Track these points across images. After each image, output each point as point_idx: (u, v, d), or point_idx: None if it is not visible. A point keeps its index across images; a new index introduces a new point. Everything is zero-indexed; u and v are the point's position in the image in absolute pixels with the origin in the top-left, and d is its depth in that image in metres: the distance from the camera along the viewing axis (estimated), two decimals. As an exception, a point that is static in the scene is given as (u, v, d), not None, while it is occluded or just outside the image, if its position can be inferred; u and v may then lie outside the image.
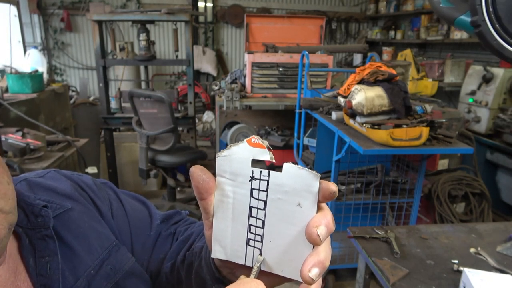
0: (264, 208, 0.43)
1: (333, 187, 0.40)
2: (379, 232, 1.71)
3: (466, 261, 1.52)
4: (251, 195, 0.44)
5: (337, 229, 2.76)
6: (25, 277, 0.53)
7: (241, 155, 0.43)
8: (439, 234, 1.75)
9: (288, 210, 0.42)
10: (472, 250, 1.61)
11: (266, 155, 0.42)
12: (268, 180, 0.42)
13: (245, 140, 0.43)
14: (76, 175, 0.70)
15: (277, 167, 0.44)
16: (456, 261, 1.52)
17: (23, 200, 0.56)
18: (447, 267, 1.50)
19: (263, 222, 0.44)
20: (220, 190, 0.45)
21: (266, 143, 0.43)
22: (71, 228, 0.59)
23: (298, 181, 0.41)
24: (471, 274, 1.26)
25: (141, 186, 4.19)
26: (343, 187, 2.75)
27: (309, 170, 0.40)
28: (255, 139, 0.43)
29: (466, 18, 0.67)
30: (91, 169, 3.05)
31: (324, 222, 0.40)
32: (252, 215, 0.44)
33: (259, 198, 0.44)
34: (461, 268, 1.44)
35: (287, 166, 0.41)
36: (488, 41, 0.63)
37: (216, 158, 0.44)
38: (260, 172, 0.43)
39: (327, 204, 0.44)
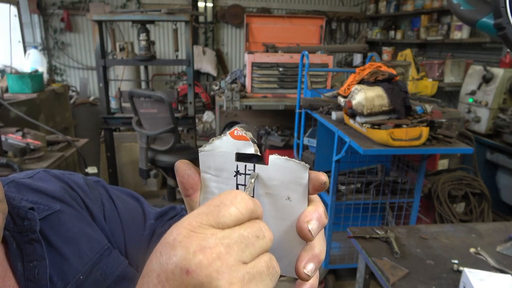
0: None
1: (323, 177, 0.39)
2: (379, 232, 1.71)
3: (466, 261, 1.52)
4: None
5: (337, 229, 2.76)
6: (13, 282, 0.51)
7: (224, 149, 0.41)
8: (439, 234, 1.75)
9: (277, 205, 0.40)
10: (472, 250, 1.61)
11: (250, 148, 0.40)
12: None
13: (227, 132, 0.41)
14: (67, 175, 0.68)
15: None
16: (456, 261, 1.52)
17: (9, 202, 0.54)
18: (447, 267, 1.50)
19: None
20: (204, 187, 0.42)
21: (249, 134, 0.40)
22: (60, 231, 0.58)
23: (286, 173, 0.39)
24: (471, 274, 1.26)
25: (141, 186, 4.19)
26: (343, 187, 2.75)
27: (297, 161, 0.38)
28: (238, 131, 0.40)
29: (488, 21, 0.67)
30: (91, 169, 3.05)
31: (316, 215, 0.38)
32: None
33: None
34: (461, 268, 1.44)
35: (273, 158, 0.39)
36: None
37: (199, 154, 0.42)
38: (245, 166, 0.40)
39: (319, 196, 0.42)
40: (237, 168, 0.41)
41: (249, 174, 0.40)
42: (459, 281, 1.33)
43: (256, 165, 0.40)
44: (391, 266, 1.48)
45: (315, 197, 0.41)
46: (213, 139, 0.41)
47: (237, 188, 0.41)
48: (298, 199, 0.39)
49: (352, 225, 2.52)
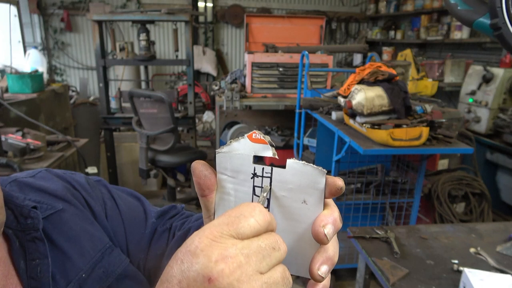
0: (267, 206, 0.42)
1: (340, 182, 0.39)
2: (379, 232, 1.71)
3: (466, 261, 1.52)
4: (253, 193, 0.42)
5: (337, 229, 2.76)
6: (16, 280, 0.52)
7: (242, 151, 0.41)
8: (439, 234, 1.75)
9: (293, 208, 0.41)
10: (472, 250, 1.61)
11: (268, 151, 0.41)
12: (271, 177, 0.41)
13: (245, 135, 0.41)
14: (69, 174, 0.68)
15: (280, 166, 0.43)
16: (456, 261, 1.52)
17: (12, 201, 0.54)
18: (447, 267, 1.50)
19: None
20: (221, 187, 0.43)
21: (268, 138, 0.41)
22: (63, 230, 0.58)
23: (303, 177, 0.39)
24: (471, 274, 1.26)
25: (141, 186, 4.19)
26: (343, 187, 2.75)
27: (314, 166, 0.39)
28: (256, 134, 0.41)
29: (485, 21, 0.67)
30: (91, 169, 3.05)
31: (331, 220, 0.39)
32: None
33: None
34: (461, 268, 1.44)
35: (290, 162, 0.40)
36: (509, 43, 0.63)
37: (216, 155, 0.42)
38: (263, 169, 0.41)
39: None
40: (254, 170, 0.41)
41: (267, 177, 0.41)
42: (459, 281, 1.33)
43: (274, 168, 0.41)
44: (391, 266, 1.48)
45: (330, 201, 0.42)
46: (231, 141, 0.42)
47: (254, 189, 0.42)
48: (314, 203, 0.40)
49: (352, 225, 2.52)
